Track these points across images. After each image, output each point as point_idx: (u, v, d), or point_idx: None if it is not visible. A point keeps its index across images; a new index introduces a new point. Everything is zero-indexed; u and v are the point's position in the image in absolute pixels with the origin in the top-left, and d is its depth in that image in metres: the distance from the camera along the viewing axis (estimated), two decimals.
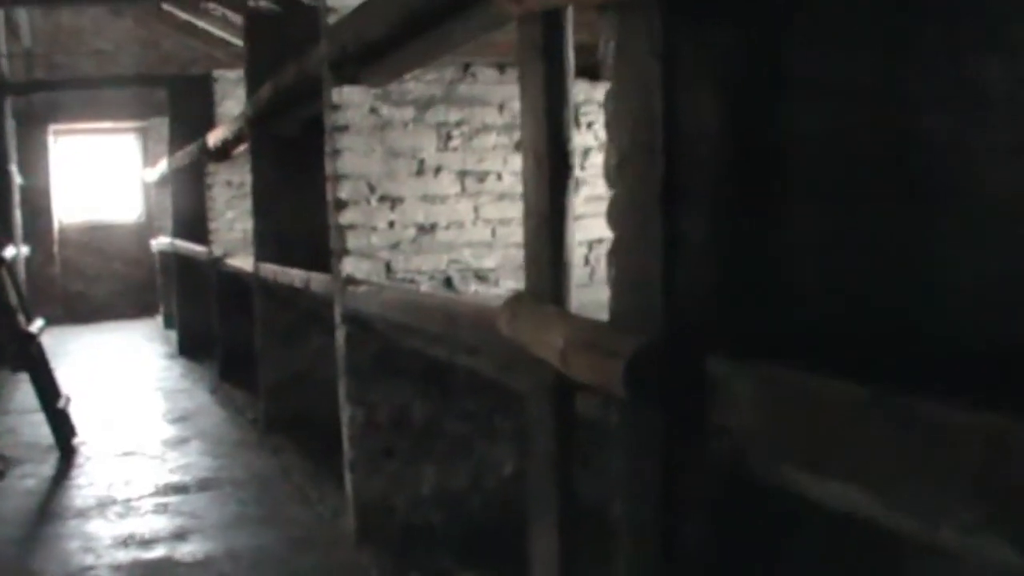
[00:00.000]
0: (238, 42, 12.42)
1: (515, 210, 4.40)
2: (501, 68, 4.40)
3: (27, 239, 13.46)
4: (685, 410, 1.73)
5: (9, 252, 6.34)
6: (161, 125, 12.53)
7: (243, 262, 7.34)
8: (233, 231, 8.52)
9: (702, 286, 1.78)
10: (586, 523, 2.27)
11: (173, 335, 11.28)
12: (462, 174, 4.32)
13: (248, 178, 8.51)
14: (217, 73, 8.89)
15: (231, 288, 8.19)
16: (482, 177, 4.35)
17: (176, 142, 10.43)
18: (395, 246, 4.21)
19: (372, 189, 4.17)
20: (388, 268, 4.20)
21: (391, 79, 4.14)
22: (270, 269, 5.88)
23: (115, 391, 8.71)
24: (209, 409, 7.64)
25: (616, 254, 1.88)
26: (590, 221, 4.41)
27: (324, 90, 4.22)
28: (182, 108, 10.37)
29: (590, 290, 4.37)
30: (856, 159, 1.95)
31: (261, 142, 6.37)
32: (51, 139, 14.90)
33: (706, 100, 1.78)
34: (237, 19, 11.76)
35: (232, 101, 8.61)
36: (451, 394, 4.27)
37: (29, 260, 13.51)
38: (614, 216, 1.87)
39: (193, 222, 9.90)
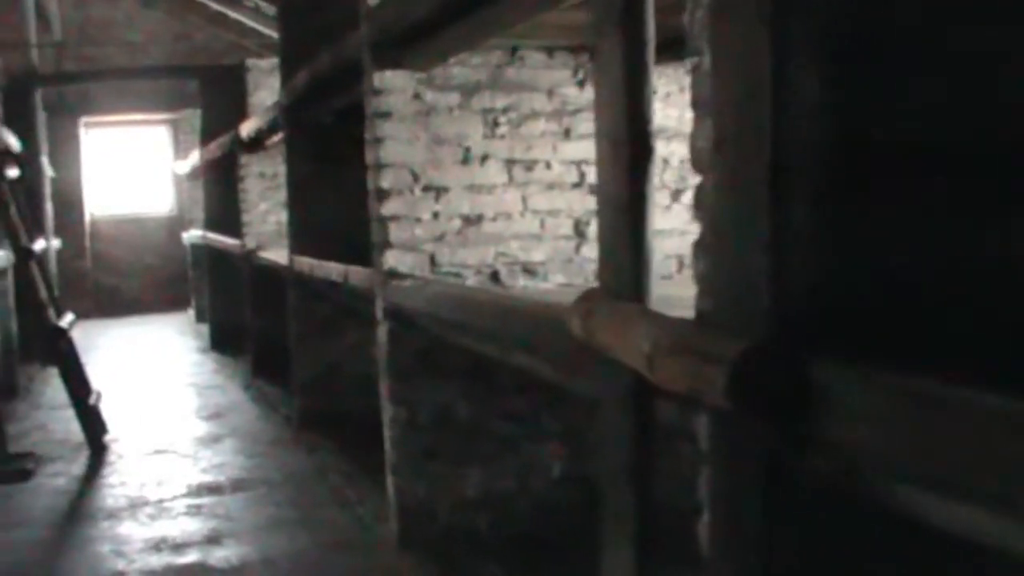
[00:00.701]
0: (271, 32, 12.29)
1: (564, 201, 4.20)
2: (550, 52, 4.19)
3: (58, 232, 13.34)
4: (791, 422, 1.53)
5: (39, 245, 6.18)
6: (192, 117, 12.40)
7: (277, 255, 7.16)
8: (266, 223, 8.35)
9: (809, 281, 1.58)
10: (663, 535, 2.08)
11: (205, 329, 11.15)
12: (509, 163, 4.12)
13: (282, 169, 8.36)
14: (250, 62, 8.71)
15: (264, 281, 8.02)
16: (530, 166, 4.15)
17: (208, 133, 10.28)
18: (440, 238, 4.01)
19: (416, 178, 3.98)
20: (432, 261, 4.01)
21: (435, 63, 3.94)
22: (305, 262, 5.70)
23: (147, 386, 8.56)
24: (242, 405, 7.48)
25: (706, 246, 1.67)
26: None
27: (365, 75, 4.03)
28: (214, 99, 10.22)
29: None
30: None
31: (296, 132, 6.19)
32: (82, 131, 14.78)
33: (812, 71, 1.58)
34: (270, 9, 11.62)
35: (265, 91, 8.43)
36: (496, 393, 4.07)
37: (60, 254, 13.39)
38: (706, 204, 1.66)
39: (225, 214, 9.76)
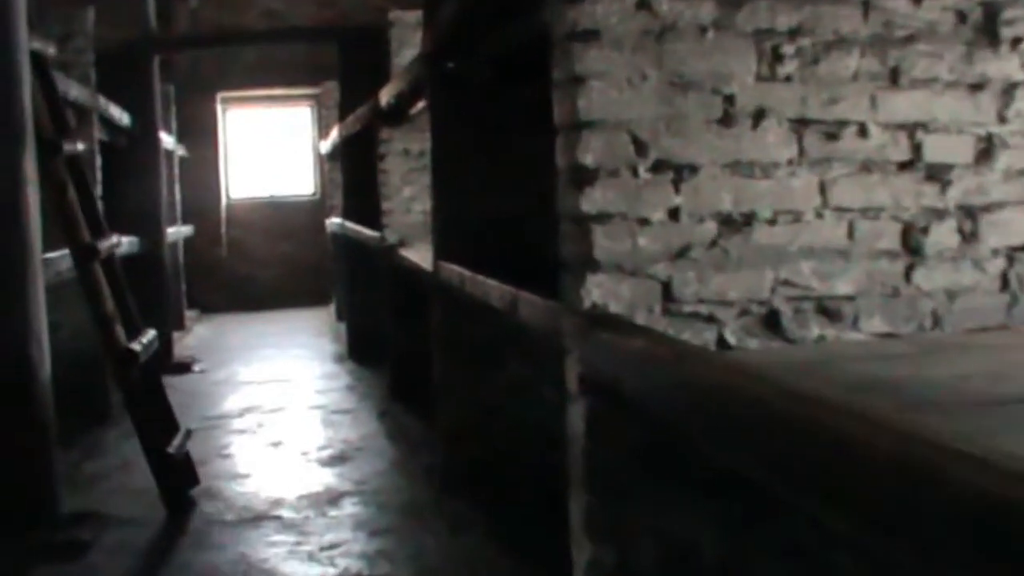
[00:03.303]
0: None
1: (887, 192, 2.45)
2: None
3: (190, 218, 12.09)
4: None
5: (107, 242, 4.69)
6: (335, 90, 10.93)
7: (422, 256, 5.56)
8: (411, 213, 6.76)
9: None
10: None
11: (345, 330, 9.65)
12: (799, 124, 2.39)
13: (429, 145, 6.76)
14: (394, 15, 7.12)
15: (407, 284, 6.45)
16: (833, 131, 2.41)
17: (347, 105, 8.76)
18: (681, 254, 2.31)
19: (641, 148, 2.28)
20: (667, 293, 2.31)
21: None
22: (454, 272, 4.06)
23: (265, 407, 7.08)
24: (374, 444, 5.90)
25: None
26: (1011, 213, 2.46)
27: None
28: (353, 65, 8.71)
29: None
30: None
31: (441, 91, 4.56)
32: (219, 108, 13.51)
33: None
34: None
35: (411, 50, 6.81)
36: (767, 518, 2.35)
37: (191, 241, 12.15)
38: None
39: (364, 200, 8.20)
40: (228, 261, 13.40)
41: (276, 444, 5.99)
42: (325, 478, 5.23)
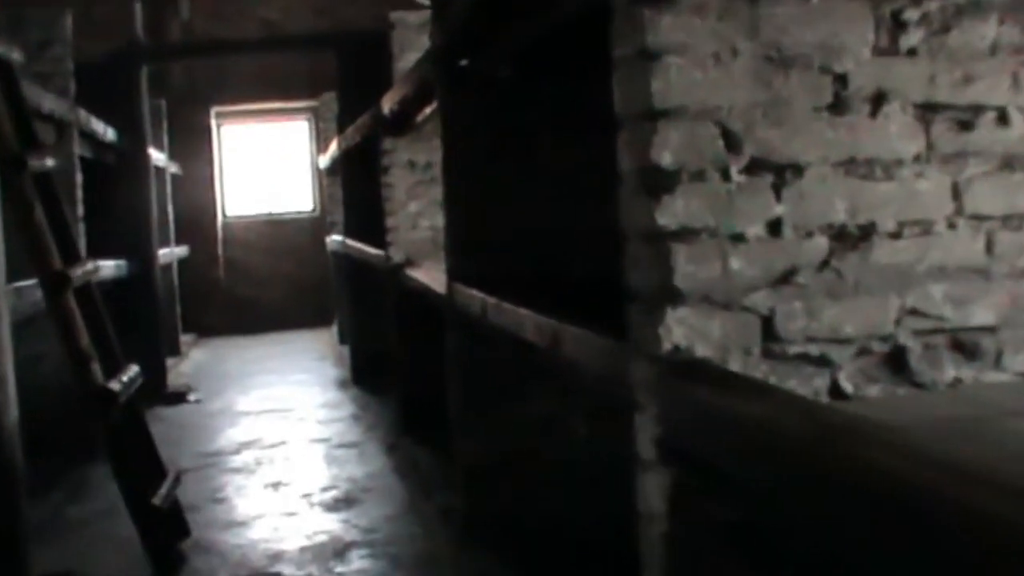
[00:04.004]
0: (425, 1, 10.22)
1: None
2: None
3: (183, 238, 11.58)
4: None
5: (82, 270, 4.18)
6: (333, 101, 10.42)
7: (431, 277, 5.05)
8: (418, 229, 6.24)
9: None
10: None
11: (348, 353, 9.12)
12: (926, 110, 1.87)
13: (438, 157, 6.25)
14: (395, 16, 6.62)
15: (415, 307, 5.94)
16: (967, 118, 1.89)
17: (347, 116, 8.26)
18: (784, 278, 1.80)
19: (733, 143, 1.77)
20: (767, 329, 1.79)
21: None
22: (474, 298, 3.54)
23: (265, 441, 6.55)
24: (384, 483, 5.37)
25: None
26: None
27: None
28: (353, 73, 8.20)
29: None
30: None
31: (453, 90, 4.05)
32: (213, 123, 13.00)
33: None
34: None
35: (415, 54, 6.32)
36: None
37: (187, 262, 11.64)
38: None
39: (367, 216, 7.69)
40: (225, 282, 12.88)
41: (276, 485, 5.46)
42: (330, 525, 4.71)
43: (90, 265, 4.34)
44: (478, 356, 3.99)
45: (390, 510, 4.88)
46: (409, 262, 6.05)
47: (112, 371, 4.27)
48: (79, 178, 5.99)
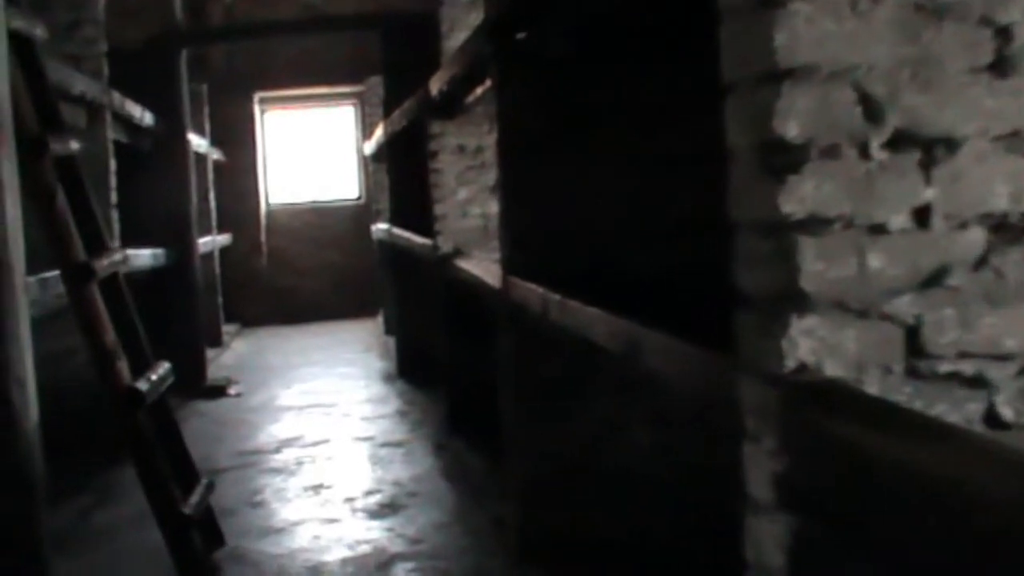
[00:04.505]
0: None
1: None
2: None
3: (226, 226, 11.33)
4: None
5: (108, 261, 3.89)
6: (379, 86, 10.11)
7: (482, 268, 4.73)
8: (467, 217, 5.92)
9: None
10: None
11: (394, 344, 8.81)
12: None
13: (489, 140, 5.93)
14: None
15: (464, 299, 5.62)
16: None
17: (393, 100, 7.94)
18: (933, 280, 1.45)
19: (873, 111, 1.42)
20: (912, 344, 1.44)
21: None
22: (534, 294, 3.21)
23: (306, 439, 6.26)
24: (431, 488, 5.05)
25: None
26: None
27: None
28: (400, 55, 7.88)
29: None
30: None
31: (510, 67, 3.71)
32: (256, 109, 12.74)
33: None
34: None
35: (465, 32, 5.99)
36: None
37: (228, 251, 11.39)
38: None
39: (414, 204, 7.37)
40: (269, 271, 12.64)
41: (317, 488, 5.16)
42: (374, 534, 4.40)
43: (118, 255, 4.04)
44: (535, 357, 3.66)
45: (438, 518, 4.56)
46: (458, 252, 5.73)
47: (140, 368, 3.98)
48: (112, 164, 5.71)
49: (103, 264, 3.84)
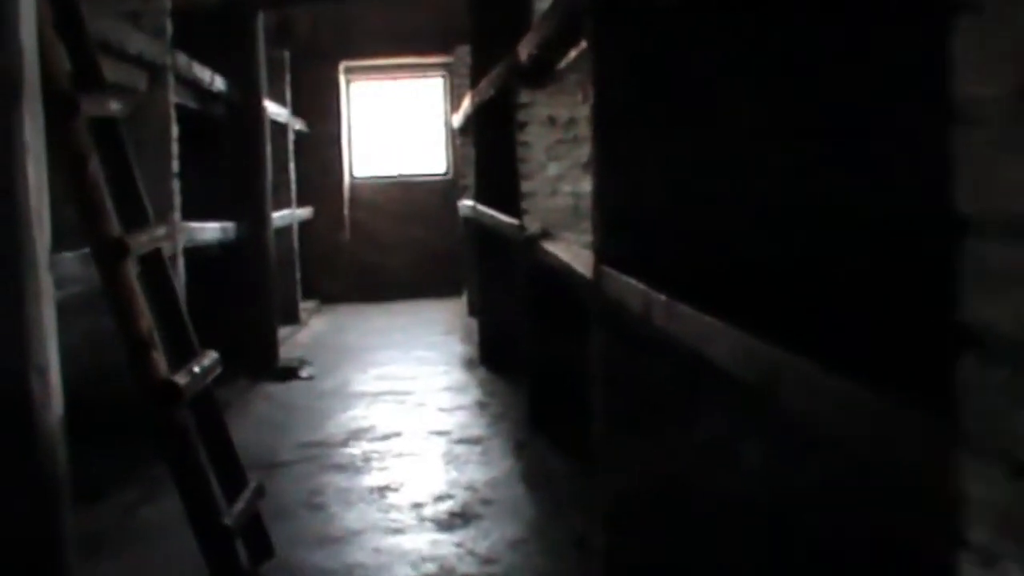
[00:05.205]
0: None
1: None
2: None
3: (307, 199, 10.95)
4: None
5: (147, 237, 3.44)
6: (468, 55, 9.61)
7: (573, 253, 4.21)
8: (558, 195, 5.39)
9: None
10: None
11: (477, 327, 8.33)
12: None
13: (581, 112, 5.39)
14: None
15: (552, 285, 5.12)
16: None
17: (480, 67, 7.43)
18: None
19: None
20: None
21: None
22: (633, 291, 2.68)
23: (377, 431, 5.81)
24: (509, 495, 4.56)
25: None
26: None
27: None
28: (488, 18, 7.36)
29: None
30: None
31: (609, 22, 3.16)
32: (342, 79, 12.33)
33: None
34: None
35: None
36: None
37: (310, 224, 11.02)
38: None
39: (501, 180, 6.86)
40: (351, 246, 12.24)
41: (383, 490, 4.69)
42: (441, 550, 3.92)
43: (161, 230, 3.59)
44: (632, 361, 3.13)
45: (514, 533, 4.07)
46: (546, 233, 5.21)
47: (183, 358, 3.53)
48: (174, 130, 5.27)
49: (141, 240, 3.39)
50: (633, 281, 2.67)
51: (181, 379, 3.31)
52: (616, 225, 3.12)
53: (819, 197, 3.00)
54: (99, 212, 3.22)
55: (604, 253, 3.12)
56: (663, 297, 2.32)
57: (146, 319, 3.29)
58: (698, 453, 3.19)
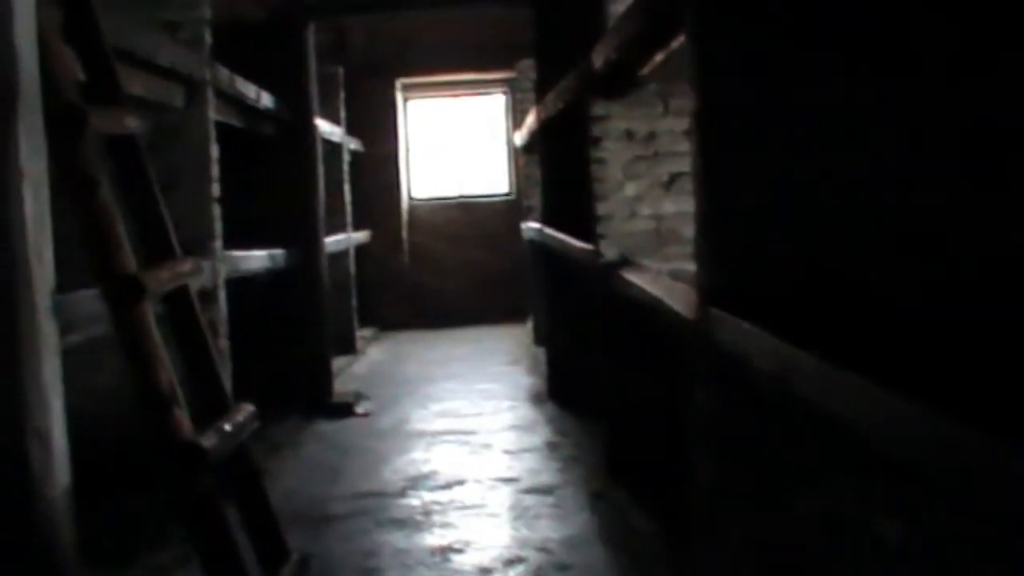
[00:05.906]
0: None
1: None
2: None
3: (363, 222, 10.50)
4: None
5: (169, 273, 2.95)
6: (531, 70, 9.10)
7: (662, 285, 3.66)
8: (637, 218, 4.84)
9: None
10: None
11: (544, 357, 7.78)
12: None
13: (663, 125, 4.85)
14: None
15: (632, 319, 4.57)
16: None
17: (546, 81, 6.91)
18: None
19: None
20: None
21: None
22: (757, 342, 2.13)
23: (438, 478, 5.28)
24: (586, 559, 4.00)
25: None
26: None
27: None
28: (554, 27, 6.84)
29: None
30: None
31: (714, 17, 2.63)
32: (399, 96, 11.87)
33: None
34: None
35: None
36: None
37: (366, 249, 10.57)
38: None
39: (571, 201, 6.32)
40: (410, 271, 11.76)
41: (445, 552, 4.16)
42: None
43: (186, 264, 3.10)
44: (747, 421, 2.58)
45: None
46: (626, 261, 4.67)
47: (213, 412, 3.03)
48: (215, 150, 4.80)
49: (161, 277, 2.90)
50: (759, 331, 2.12)
51: (208, 440, 2.80)
52: (726, 257, 2.58)
53: (977, 220, 2.44)
54: (110, 245, 2.73)
55: (713, 293, 2.58)
56: (811, 359, 1.77)
57: (166, 370, 2.79)
58: (820, 526, 2.64)
